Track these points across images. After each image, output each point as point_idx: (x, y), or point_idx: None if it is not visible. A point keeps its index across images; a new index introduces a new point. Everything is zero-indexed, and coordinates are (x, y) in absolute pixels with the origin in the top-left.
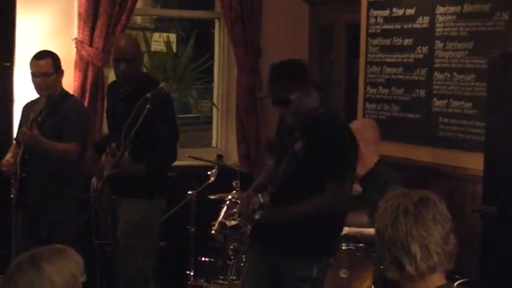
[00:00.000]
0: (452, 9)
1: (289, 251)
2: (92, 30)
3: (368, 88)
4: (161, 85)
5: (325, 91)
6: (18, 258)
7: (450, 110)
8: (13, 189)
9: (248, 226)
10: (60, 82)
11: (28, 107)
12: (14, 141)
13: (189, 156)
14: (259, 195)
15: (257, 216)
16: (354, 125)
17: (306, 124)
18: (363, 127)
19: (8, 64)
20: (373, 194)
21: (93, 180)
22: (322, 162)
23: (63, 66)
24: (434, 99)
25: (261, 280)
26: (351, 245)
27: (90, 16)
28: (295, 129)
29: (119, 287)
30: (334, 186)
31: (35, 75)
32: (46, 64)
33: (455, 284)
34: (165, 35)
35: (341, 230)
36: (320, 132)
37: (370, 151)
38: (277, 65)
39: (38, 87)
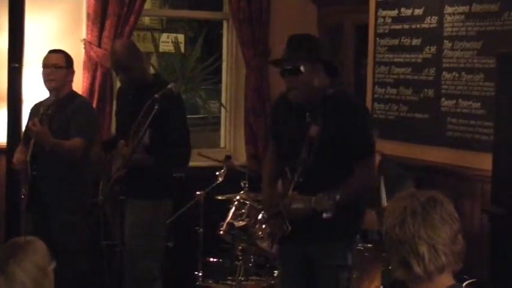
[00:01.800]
0: (460, 9)
1: (323, 239)
2: (101, 31)
3: (376, 88)
4: (170, 86)
5: (339, 76)
6: None
7: (458, 110)
8: (23, 190)
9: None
10: (70, 82)
11: (36, 108)
12: (21, 142)
13: (198, 155)
14: (328, 195)
15: (328, 215)
16: None
17: (317, 106)
18: None
19: (16, 65)
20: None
21: (101, 183)
22: (348, 143)
23: None
24: (443, 99)
25: (298, 277)
26: (360, 245)
27: (99, 17)
28: (304, 112)
29: (127, 287)
30: (365, 163)
31: (45, 65)
32: (58, 57)
33: (464, 284)
34: (173, 35)
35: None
36: (336, 114)
37: None
38: (296, 35)
39: (47, 78)
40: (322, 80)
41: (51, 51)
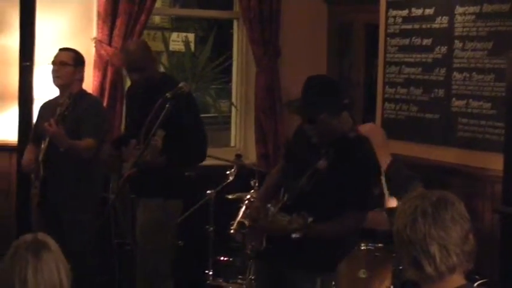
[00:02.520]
0: (471, 9)
1: (296, 263)
2: (111, 29)
3: (386, 88)
4: (181, 85)
5: (354, 110)
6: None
7: (469, 110)
8: (34, 187)
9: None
10: (79, 81)
11: (45, 107)
12: (30, 141)
13: (208, 156)
14: (302, 215)
15: (296, 235)
16: (361, 131)
17: (335, 145)
18: (371, 132)
19: (27, 64)
20: (395, 191)
21: (111, 181)
22: (346, 188)
23: None
24: (453, 99)
25: None
26: (370, 245)
27: (109, 16)
28: (321, 146)
29: (138, 286)
30: (354, 214)
31: (53, 63)
32: (66, 55)
33: (475, 284)
34: (183, 34)
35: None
36: (348, 158)
37: (382, 154)
38: (310, 81)
39: (53, 75)
40: (342, 122)
41: (62, 49)
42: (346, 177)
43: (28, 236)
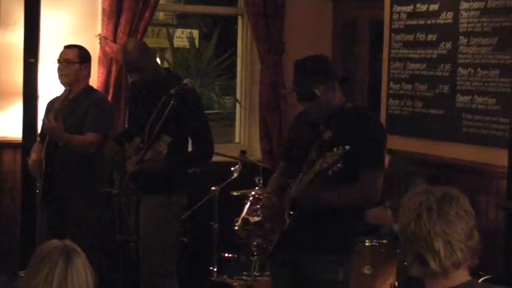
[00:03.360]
0: (476, 4)
1: (313, 249)
2: (116, 26)
3: (391, 84)
4: (185, 81)
5: (348, 85)
6: (52, 252)
7: (474, 106)
8: (38, 184)
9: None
10: (85, 78)
11: (53, 103)
12: (38, 138)
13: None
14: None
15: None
16: None
17: (332, 117)
18: None
19: (32, 60)
20: (395, 189)
21: (115, 176)
22: (356, 151)
23: None
24: (458, 95)
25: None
26: (375, 241)
27: (114, 12)
28: (319, 124)
29: (142, 282)
30: (368, 175)
31: (58, 61)
32: (71, 52)
33: (480, 280)
34: (187, 31)
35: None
36: (350, 124)
37: None
38: (302, 60)
39: (59, 73)
40: (338, 94)
41: (67, 46)
42: (353, 140)
43: (56, 242)
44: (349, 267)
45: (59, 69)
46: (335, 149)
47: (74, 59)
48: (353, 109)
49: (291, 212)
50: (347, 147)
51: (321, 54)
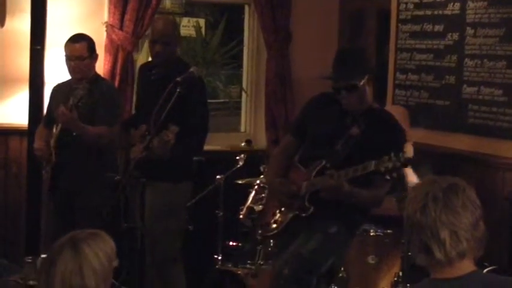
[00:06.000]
0: None
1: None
2: (123, 14)
3: (397, 74)
4: (191, 69)
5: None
6: (59, 241)
7: (480, 97)
8: (44, 172)
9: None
10: (94, 66)
11: (58, 89)
12: (42, 124)
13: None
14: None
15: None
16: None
17: (362, 114)
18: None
19: (39, 47)
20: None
21: (119, 162)
22: (382, 151)
23: None
24: (464, 86)
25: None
26: (379, 231)
27: (121, 0)
28: (347, 114)
29: (147, 269)
30: (387, 183)
31: (69, 58)
32: (81, 47)
33: (485, 271)
34: (194, 20)
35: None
36: (377, 126)
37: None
38: (346, 50)
39: (72, 71)
40: (372, 91)
41: (73, 40)
42: (379, 144)
43: (61, 239)
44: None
45: (72, 67)
46: (393, 156)
47: (85, 54)
48: (382, 113)
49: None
50: (402, 155)
51: (361, 47)
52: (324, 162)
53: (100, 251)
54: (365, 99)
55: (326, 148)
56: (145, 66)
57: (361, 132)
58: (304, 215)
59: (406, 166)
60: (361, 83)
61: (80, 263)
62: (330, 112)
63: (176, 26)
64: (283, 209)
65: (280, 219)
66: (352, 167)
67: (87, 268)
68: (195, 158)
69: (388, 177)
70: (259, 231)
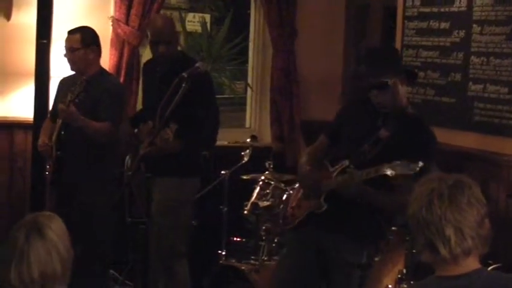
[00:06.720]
0: None
1: (346, 228)
2: (129, 8)
3: None
4: (197, 64)
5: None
6: (18, 227)
7: (486, 95)
8: (48, 166)
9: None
10: (95, 60)
11: (64, 83)
12: (48, 118)
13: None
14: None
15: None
16: None
17: (393, 118)
18: None
19: (44, 41)
20: None
21: (126, 158)
22: (410, 157)
23: None
24: (470, 83)
25: (304, 264)
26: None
27: None
28: (379, 115)
29: (152, 264)
30: (410, 189)
31: (64, 49)
32: (72, 39)
33: (489, 268)
34: (199, 15)
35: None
36: (408, 132)
37: None
38: (377, 48)
39: (67, 62)
40: (405, 92)
41: (69, 32)
42: (408, 150)
43: (30, 216)
44: (374, 250)
45: (66, 58)
46: (405, 163)
47: (77, 45)
48: (415, 118)
49: (328, 199)
50: (420, 164)
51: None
52: (347, 163)
53: (61, 231)
54: (398, 100)
55: (353, 148)
56: (149, 63)
57: (390, 135)
58: (318, 211)
59: (414, 178)
60: (392, 81)
61: (49, 249)
62: (363, 113)
63: (173, 23)
64: (301, 203)
65: (296, 213)
66: (367, 169)
67: (55, 253)
68: (201, 153)
69: (393, 183)
70: (280, 221)
